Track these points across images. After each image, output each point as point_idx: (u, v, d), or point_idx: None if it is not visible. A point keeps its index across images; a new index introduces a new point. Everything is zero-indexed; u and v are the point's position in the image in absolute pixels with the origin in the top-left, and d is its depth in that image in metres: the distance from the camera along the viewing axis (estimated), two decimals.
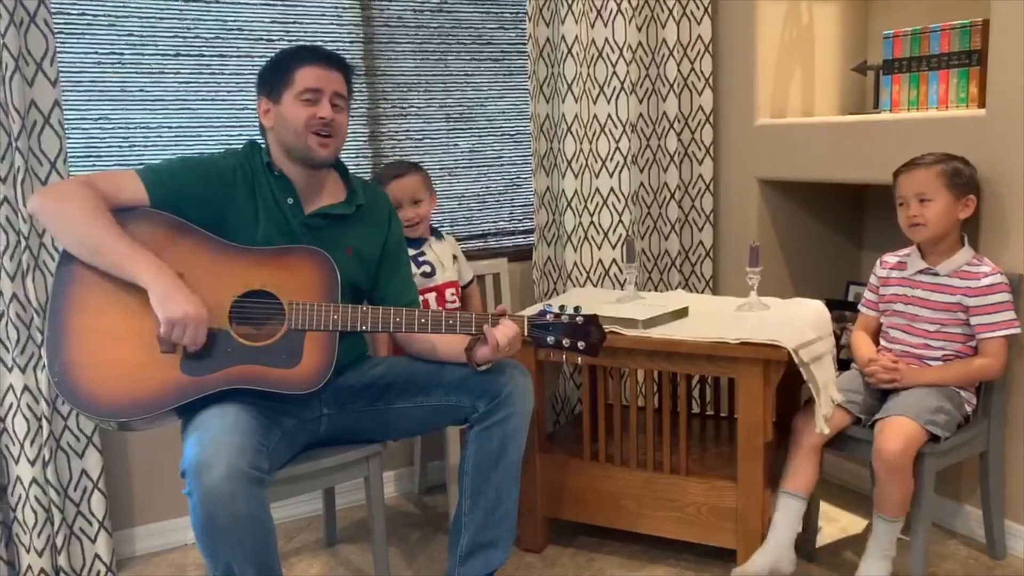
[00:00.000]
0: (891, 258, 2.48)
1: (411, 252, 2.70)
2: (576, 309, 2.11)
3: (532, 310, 2.31)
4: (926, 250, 2.37)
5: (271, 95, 2.13)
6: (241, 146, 2.20)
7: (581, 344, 2.08)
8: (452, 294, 2.79)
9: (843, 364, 2.63)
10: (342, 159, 2.28)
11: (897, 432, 2.16)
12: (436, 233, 2.85)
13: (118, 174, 2.06)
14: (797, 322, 2.38)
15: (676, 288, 3.26)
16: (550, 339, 2.09)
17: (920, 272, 2.37)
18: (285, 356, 1.99)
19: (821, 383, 2.25)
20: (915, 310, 2.37)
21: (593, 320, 2.09)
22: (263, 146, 2.18)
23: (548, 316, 2.10)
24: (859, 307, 2.55)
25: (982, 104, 2.48)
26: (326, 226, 2.18)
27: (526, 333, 2.09)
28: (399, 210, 2.71)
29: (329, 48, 2.20)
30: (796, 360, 2.18)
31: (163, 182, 2.04)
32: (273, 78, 2.13)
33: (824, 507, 2.79)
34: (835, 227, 3.26)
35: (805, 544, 2.55)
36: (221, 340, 1.96)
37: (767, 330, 2.27)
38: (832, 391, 2.32)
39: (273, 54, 2.18)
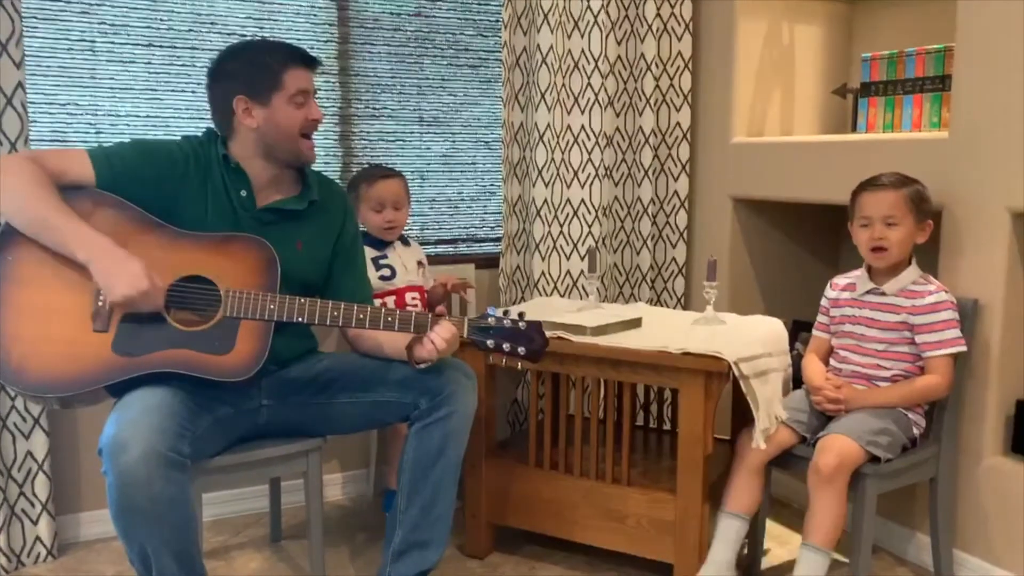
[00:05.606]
0: (841, 280, 2.45)
1: (374, 254, 2.71)
2: (520, 314, 2.09)
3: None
4: (875, 271, 2.34)
5: (255, 96, 2.09)
6: (199, 134, 2.20)
7: (522, 349, 2.06)
8: (414, 298, 2.79)
9: (800, 385, 2.60)
10: None
11: (834, 449, 2.12)
12: (403, 239, 2.85)
13: (67, 152, 2.07)
14: (748, 337, 2.36)
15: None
16: (489, 342, 2.07)
17: (868, 292, 2.34)
18: (217, 342, 1.98)
19: (762, 399, 2.22)
20: (863, 330, 2.34)
21: (536, 326, 2.08)
22: (220, 137, 2.18)
23: (490, 319, 2.08)
24: (812, 330, 2.52)
25: None
26: (277, 221, 2.17)
27: (465, 335, 2.08)
28: (381, 211, 2.72)
29: (302, 46, 2.20)
30: (736, 373, 2.16)
31: (112, 165, 2.04)
32: (256, 78, 2.09)
33: (775, 528, 2.75)
34: (810, 248, 3.24)
35: (751, 566, 2.52)
36: (155, 323, 1.96)
37: (714, 343, 2.25)
38: (776, 408, 2.29)
39: (235, 48, 2.17)
